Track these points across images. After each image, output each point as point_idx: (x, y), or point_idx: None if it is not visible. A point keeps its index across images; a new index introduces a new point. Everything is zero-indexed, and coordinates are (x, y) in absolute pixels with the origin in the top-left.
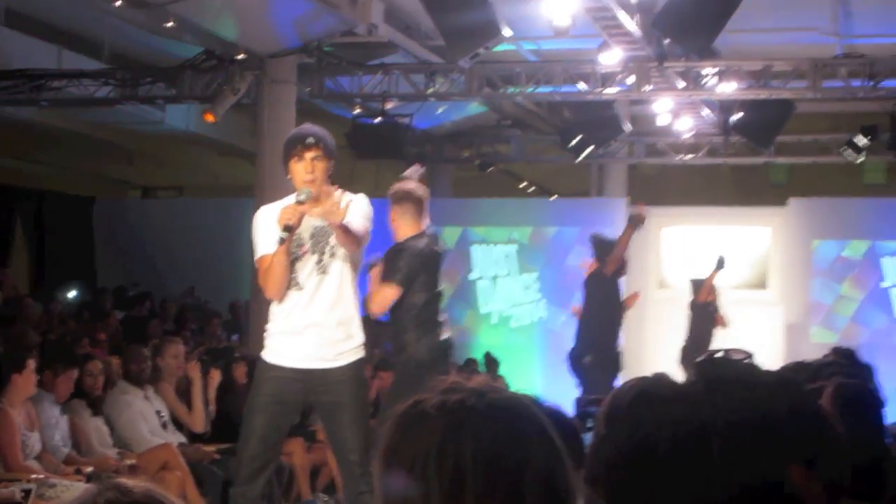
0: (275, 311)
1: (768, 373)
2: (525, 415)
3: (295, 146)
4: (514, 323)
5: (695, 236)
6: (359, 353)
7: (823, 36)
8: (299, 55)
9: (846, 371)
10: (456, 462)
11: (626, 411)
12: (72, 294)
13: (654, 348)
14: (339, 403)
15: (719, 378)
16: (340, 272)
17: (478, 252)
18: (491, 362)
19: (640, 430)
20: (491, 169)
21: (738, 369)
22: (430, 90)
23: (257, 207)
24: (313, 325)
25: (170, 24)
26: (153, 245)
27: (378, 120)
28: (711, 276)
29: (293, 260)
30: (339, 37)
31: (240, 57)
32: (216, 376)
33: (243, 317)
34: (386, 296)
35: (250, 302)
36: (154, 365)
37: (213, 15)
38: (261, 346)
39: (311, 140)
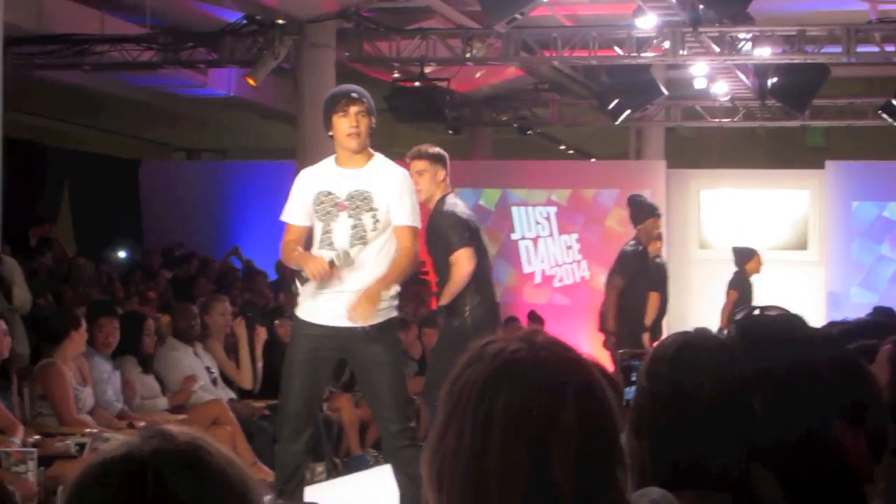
0: None
1: (807, 328)
2: (570, 380)
3: (339, 101)
4: (558, 282)
5: (733, 198)
6: (390, 313)
7: (857, 1)
8: (338, 20)
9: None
10: (487, 413)
11: (669, 364)
12: (121, 254)
13: (696, 307)
14: (373, 362)
15: (760, 332)
16: (383, 245)
17: (518, 213)
18: (535, 321)
19: (682, 382)
20: (530, 132)
21: (777, 324)
22: (468, 55)
23: (299, 169)
24: (346, 285)
25: None
26: (197, 206)
27: (417, 84)
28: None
29: (327, 218)
30: (378, 2)
31: (279, 22)
32: (262, 333)
33: (288, 275)
34: (469, 260)
35: None
36: (202, 322)
37: None
38: None
39: (355, 94)
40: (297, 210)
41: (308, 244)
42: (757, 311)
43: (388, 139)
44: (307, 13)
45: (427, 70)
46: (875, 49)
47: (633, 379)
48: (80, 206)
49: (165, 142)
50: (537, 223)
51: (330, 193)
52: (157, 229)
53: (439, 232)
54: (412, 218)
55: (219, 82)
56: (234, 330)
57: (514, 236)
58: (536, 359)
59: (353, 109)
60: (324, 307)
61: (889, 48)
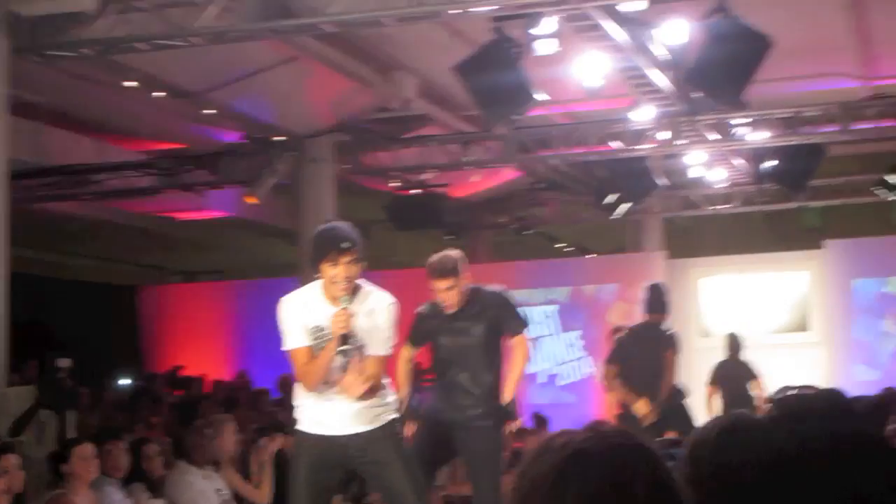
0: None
1: (846, 404)
2: (639, 467)
3: (328, 252)
4: (562, 381)
5: (733, 284)
6: (392, 414)
7: (851, 79)
8: (336, 133)
9: None
10: (561, 501)
11: (711, 449)
12: (122, 381)
13: (700, 396)
14: (383, 461)
15: (801, 411)
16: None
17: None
18: (540, 422)
19: (725, 465)
20: (528, 232)
21: (817, 402)
22: (466, 159)
23: (302, 284)
24: (346, 396)
25: (209, 112)
26: (197, 328)
27: (416, 191)
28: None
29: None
30: (375, 113)
31: (278, 139)
32: (273, 444)
33: (292, 391)
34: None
35: None
36: (211, 444)
37: (251, 100)
38: None
39: (345, 245)
40: (300, 334)
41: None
42: (793, 391)
43: (387, 249)
44: (305, 128)
45: (425, 177)
46: (870, 125)
47: (671, 465)
48: (79, 335)
49: (163, 266)
50: (539, 323)
51: (322, 329)
52: (158, 354)
53: (491, 317)
54: (387, 348)
55: (217, 203)
56: (255, 449)
57: None
58: (605, 448)
59: (344, 260)
60: (325, 417)
61: (884, 124)
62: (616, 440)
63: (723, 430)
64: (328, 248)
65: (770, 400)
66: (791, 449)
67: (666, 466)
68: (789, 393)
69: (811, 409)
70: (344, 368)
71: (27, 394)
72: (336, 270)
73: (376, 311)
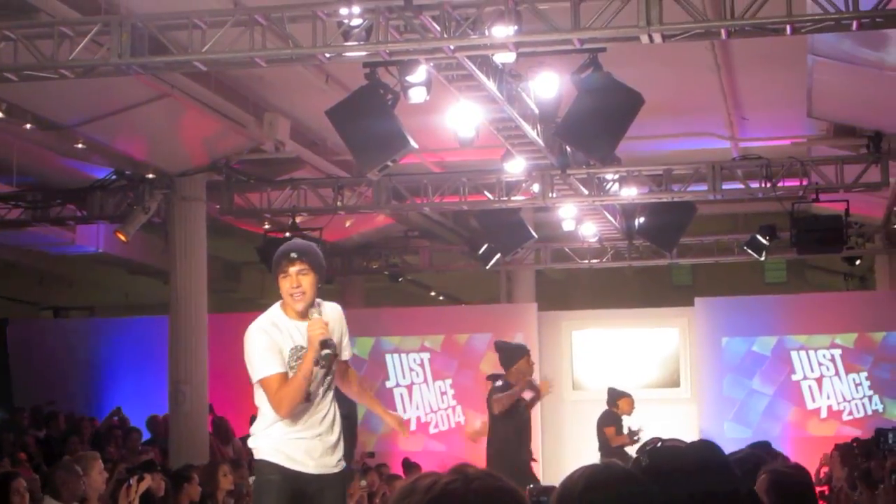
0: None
1: (714, 459)
2: None
3: (280, 263)
4: (433, 429)
5: (604, 338)
6: (344, 464)
7: (720, 140)
8: (208, 173)
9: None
10: None
11: (579, 500)
12: None
13: (571, 447)
14: None
15: (668, 464)
16: (334, 389)
17: (392, 361)
18: (410, 468)
19: None
20: (400, 279)
21: (685, 456)
22: (339, 203)
23: (173, 324)
24: (320, 435)
25: (79, 146)
26: (67, 365)
27: (288, 234)
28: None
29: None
30: (247, 154)
31: (149, 176)
32: (146, 481)
33: (162, 431)
34: None
35: (170, 416)
36: (78, 481)
37: (122, 136)
38: (181, 458)
39: (294, 255)
40: (277, 360)
41: None
42: (660, 444)
43: (259, 290)
44: (177, 167)
45: (298, 220)
46: (739, 186)
47: None
48: None
49: (33, 300)
50: (411, 370)
51: (303, 348)
52: (27, 389)
53: None
54: (349, 353)
55: (87, 239)
56: (126, 495)
57: (388, 384)
58: (470, 490)
59: (293, 270)
60: (295, 453)
61: (752, 184)
62: (482, 483)
63: (589, 481)
64: (279, 259)
65: (640, 451)
66: None
67: None
68: (658, 445)
69: (681, 463)
70: (325, 383)
71: None
72: (288, 281)
73: (336, 323)
